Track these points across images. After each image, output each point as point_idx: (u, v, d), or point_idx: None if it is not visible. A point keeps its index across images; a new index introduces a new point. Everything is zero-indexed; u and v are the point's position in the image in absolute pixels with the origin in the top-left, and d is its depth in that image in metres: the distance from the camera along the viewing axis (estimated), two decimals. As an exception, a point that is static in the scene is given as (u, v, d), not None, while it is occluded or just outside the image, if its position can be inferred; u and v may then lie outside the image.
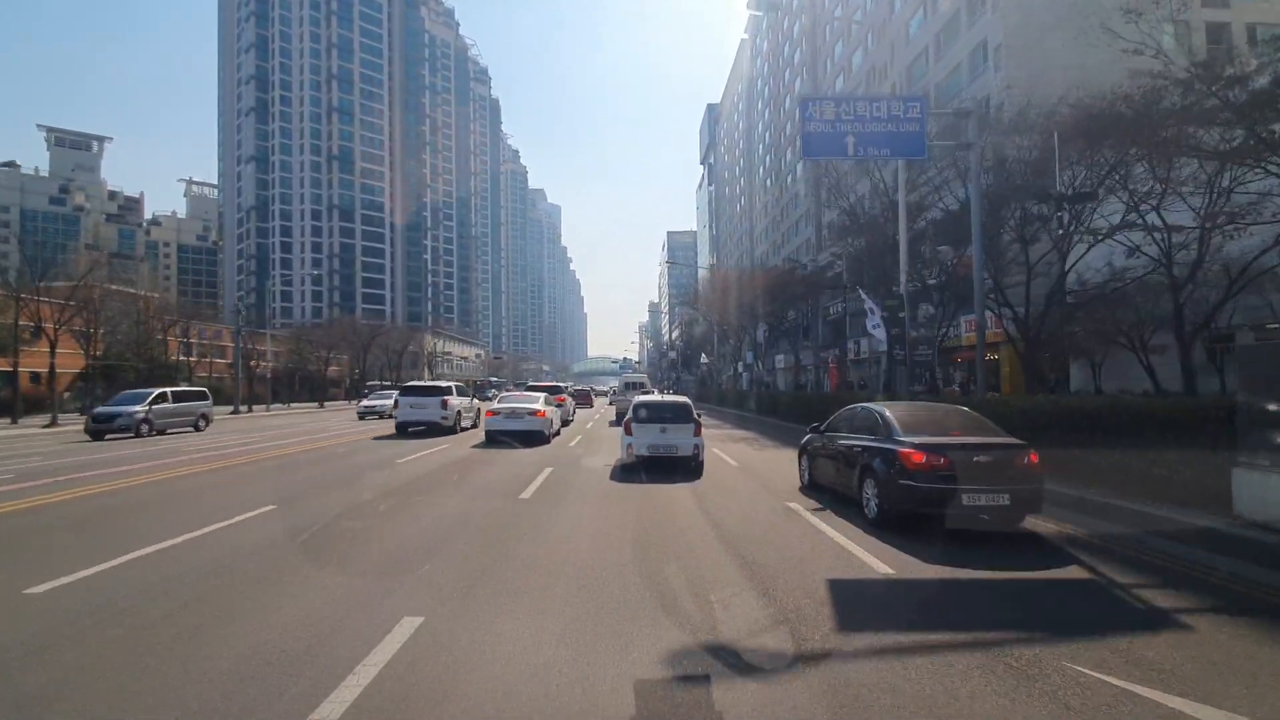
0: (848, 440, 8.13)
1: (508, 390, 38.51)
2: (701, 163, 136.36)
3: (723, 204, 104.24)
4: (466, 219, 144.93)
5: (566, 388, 27.89)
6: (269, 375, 60.07)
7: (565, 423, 24.14)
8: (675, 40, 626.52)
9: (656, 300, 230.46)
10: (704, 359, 42.35)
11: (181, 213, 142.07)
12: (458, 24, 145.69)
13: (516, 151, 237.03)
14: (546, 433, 17.73)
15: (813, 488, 9.32)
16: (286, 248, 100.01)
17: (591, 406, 40.55)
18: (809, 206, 57.17)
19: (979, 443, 6.67)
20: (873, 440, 7.48)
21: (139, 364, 39.54)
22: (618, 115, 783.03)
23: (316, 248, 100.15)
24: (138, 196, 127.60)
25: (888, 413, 7.59)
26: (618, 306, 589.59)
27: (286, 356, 62.64)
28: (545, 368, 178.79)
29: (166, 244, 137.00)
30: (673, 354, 77.14)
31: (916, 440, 6.79)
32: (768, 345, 63.83)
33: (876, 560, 5.61)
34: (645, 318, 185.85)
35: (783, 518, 7.55)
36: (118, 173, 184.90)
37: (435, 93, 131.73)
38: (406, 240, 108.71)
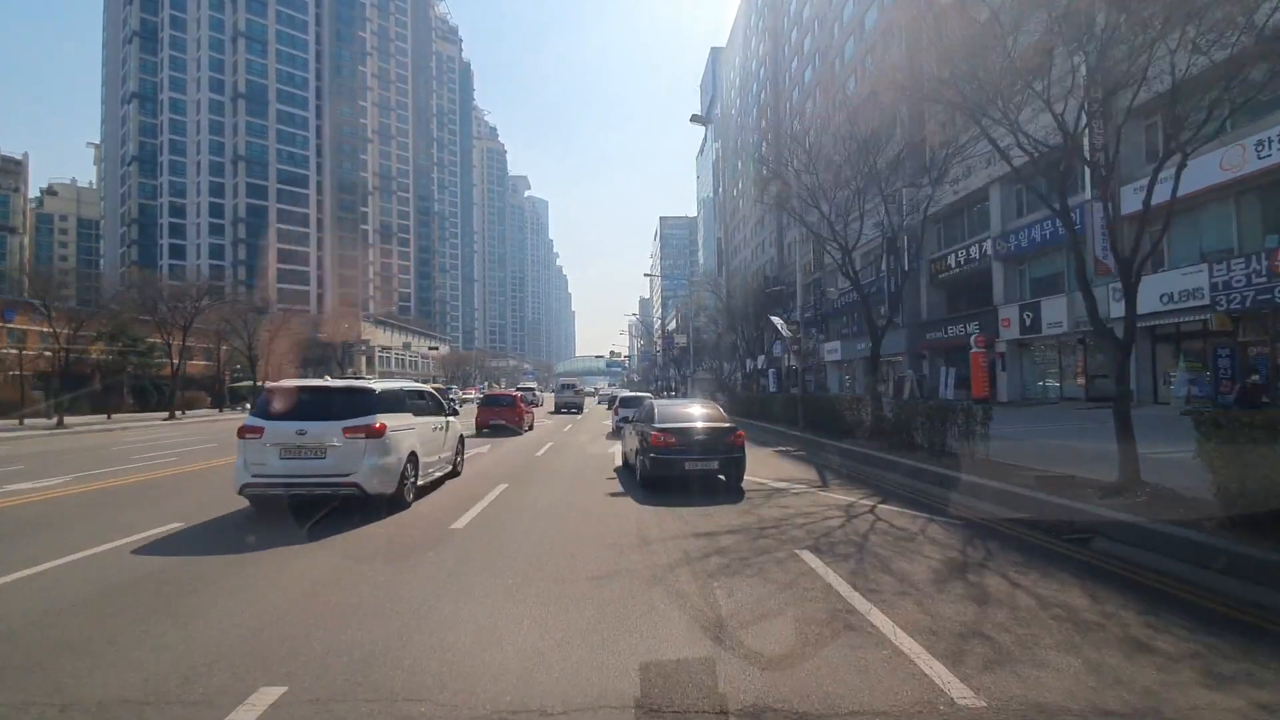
0: (637, 425, 11.06)
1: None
2: (705, 124, 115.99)
3: (729, 159, 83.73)
4: (427, 191, 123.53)
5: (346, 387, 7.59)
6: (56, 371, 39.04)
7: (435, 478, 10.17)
8: (668, 18, 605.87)
9: (648, 296, 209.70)
10: (784, 330, 22.90)
11: (85, 182, 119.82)
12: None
13: (494, 129, 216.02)
14: None
15: (624, 464, 12.33)
16: (178, 210, 78.37)
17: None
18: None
19: (701, 426, 9.66)
20: (645, 425, 10.23)
21: None
22: (608, 111, 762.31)
23: (217, 210, 78.59)
24: (19, 158, 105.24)
25: (656, 407, 10.56)
26: (608, 308, 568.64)
27: (97, 346, 41.40)
28: (527, 367, 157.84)
29: (64, 216, 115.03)
30: (681, 339, 56.22)
31: (662, 425, 9.65)
32: (813, 327, 43.42)
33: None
34: (636, 315, 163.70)
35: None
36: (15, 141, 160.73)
37: (385, 38, 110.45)
38: (339, 205, 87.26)
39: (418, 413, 9.21)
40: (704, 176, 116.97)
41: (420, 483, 8.88)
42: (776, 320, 17.41)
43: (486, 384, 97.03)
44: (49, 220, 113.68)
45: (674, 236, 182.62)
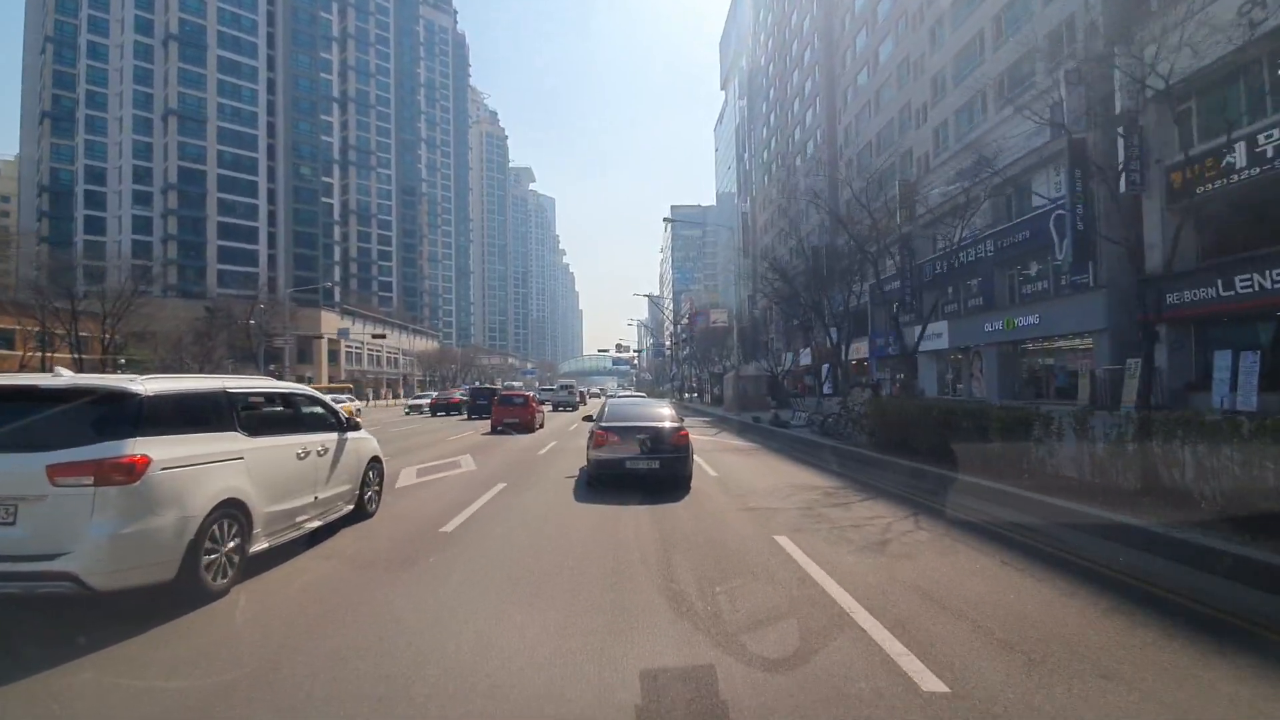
0: (588, 425, 11.10)
1: None
2: (722, 87, 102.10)
3: (755, 117, 69.78)
4: (412, 169, 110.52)
5: None
6: None
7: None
8: (671, 11, 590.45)
9: (659, 292, 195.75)
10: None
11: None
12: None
13: (495, 113, 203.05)
14: None
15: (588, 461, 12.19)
16: (97, 175, 65.43)
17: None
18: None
19: (643, 425, 9.38)
20: (594, 425, 10.06)
21: None
22: (613, 107, 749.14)
23: (143, 175, 65.60)
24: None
25: (608, 405, 10.68)
26: (618, 306, 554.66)
27: None
28: (528, 365, 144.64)
29: (5, 198, 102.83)
30: (720, 317, 42.33)
31: (605, 424, 9.51)
32: (915, 303, 29.77)
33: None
34: (645, 315, 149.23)
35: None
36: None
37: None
38: (294, 175, 74.07)
39: (257, 429, 5.24)
40: (723, 151, 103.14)
41: (272, 543, 5.13)
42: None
43: (477, 383, 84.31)
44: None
45: (685, 230, 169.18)
